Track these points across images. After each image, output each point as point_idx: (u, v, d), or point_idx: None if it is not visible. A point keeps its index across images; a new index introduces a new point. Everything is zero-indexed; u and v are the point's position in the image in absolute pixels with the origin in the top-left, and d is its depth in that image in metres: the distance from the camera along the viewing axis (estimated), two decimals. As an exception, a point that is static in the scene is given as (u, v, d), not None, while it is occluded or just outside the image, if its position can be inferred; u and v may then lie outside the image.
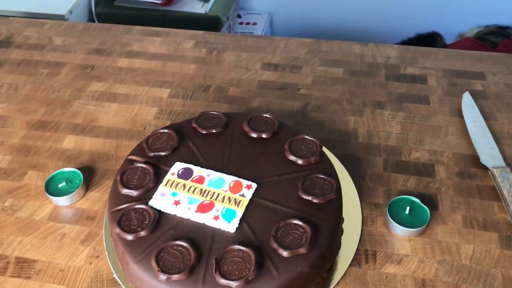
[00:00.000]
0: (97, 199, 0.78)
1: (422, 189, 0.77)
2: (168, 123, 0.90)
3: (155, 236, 0.64)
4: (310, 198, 0.67)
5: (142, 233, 0.64)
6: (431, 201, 0.75)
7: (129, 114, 0.92)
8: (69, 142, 0.87)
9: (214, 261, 0.60)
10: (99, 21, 1.98)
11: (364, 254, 0.69)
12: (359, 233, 0.71)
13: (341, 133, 0.87)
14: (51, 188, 0.77)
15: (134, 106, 0.94)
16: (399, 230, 0.71)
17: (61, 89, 0.99)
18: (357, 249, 0.69)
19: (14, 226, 0.74)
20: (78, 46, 1.10)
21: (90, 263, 0.69)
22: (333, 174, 0.71)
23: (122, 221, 0.65)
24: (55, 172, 0.79)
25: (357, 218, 0.73)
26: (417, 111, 0.90)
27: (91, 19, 1.98)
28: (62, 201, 0.76)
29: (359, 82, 0.97)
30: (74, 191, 0.76)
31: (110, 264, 0.68)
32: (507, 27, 1.88)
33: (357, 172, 0.79)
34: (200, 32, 1.14)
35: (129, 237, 0.64)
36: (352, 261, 0.68)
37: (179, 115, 0.92)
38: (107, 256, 0.69)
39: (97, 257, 0.70)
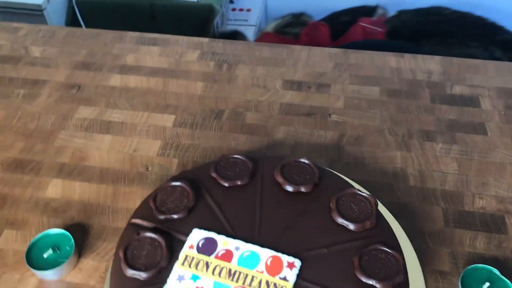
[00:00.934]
0: (93, 270, 0.62)
1: (494, 250, 0.63)
2: (175, 161, 0.74)
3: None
4: (372, 282, 0.52)
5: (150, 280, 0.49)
6: (510, 269, 0.61)
7: (126, 149, 0.76)
8: (55, 188, 0.71)
9: None
10: (80, 12, 1.78)
11: None
12: (426, 315, 0.57)
13: (386, 173, 0.72)
14: (34, 258, 0.61)
15: (132, 139, 0.77)
16: (476, 311, 0.57)
17: (42, 115, 0.81)
18: (426, 338, 0.55)
19: (-12, 310, 0.59)
20: (61, 59, 0.92)
21: None
22: (396, 245, 0.56)
23: (130, 319, 0.50)
24: (39, 235, 0.63)
25: (421, 294, 0.59)
26: (474, 143, 0.76)
27: (71, 9, 1.78)
28: (49, 275, 0.60)
29: (400, 106, 0.82)
30: (64, 261, 0.60)
31: None
32: (300, 14, 1.84)
33: (413, 228, 0.65)
34: (206, 39, 0.97)
35: (143, 275, 0.48)
36: None
37: (188, 150, 0.76)
38: None
39: None
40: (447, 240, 0.64)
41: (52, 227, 0.65)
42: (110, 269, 0.59)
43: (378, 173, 0.72)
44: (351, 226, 0.57)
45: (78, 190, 0.70)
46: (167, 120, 0.80)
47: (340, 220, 0.58)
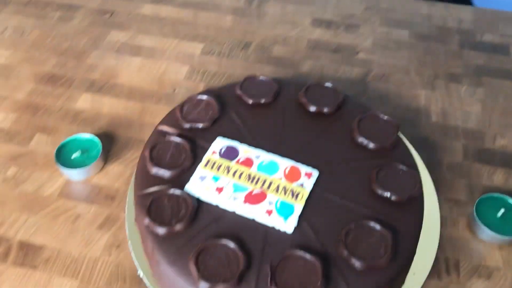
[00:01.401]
0: (118, 174, 0.64)
1: (512, 185, 0.63)
2: (201, 85, 0.76)
3: (193, 231, 0.51)
4: (387, 194, 0.54)
5: (178, 227, 0.51)
6: (524, 202, 0.61)
7: (155, 71, 0.78)
8: (84, 101, 0.73)
9: (269, 269, 0.48)
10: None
11: (445, 263, 0.57)
12: (438, 237, 0.58)
13: (410, 109, 0.72)
14: (62, 158, 0.64)
15: (161, 62, 0.79)
16: (488, 235, 0.58)
17: (75, 37, 0.84)
18: (436, 257, 0.56)
19: (18, 202, 0.62)
20: (95, -13, 0.94)
21: (110, 254, 0.57)
22: (413, 164, 0.57)
23: (153, 209, 0.52)
24: (68, 139, 0.66)
25: (435, 218, 0.60)
26: (500, 88, 0.76)
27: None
28: (76, 174, 0.63)
29: (428, 49, 0.82)
30: (91, 163, 0.63)
31: (134, 257, 0.55)
32: None
33: (432, 160, 0.66)
34: (237, -23, 0.98)
35: (162, 230, 0.51)
36: (430, 271, 0.56)
37: (214, 76, 0.77)
38: (130, 246, 0.56)
39: (118, 246, 0.58)
40: (465, 172, 0.65)
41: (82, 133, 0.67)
42: (134, 173, 0.62)
43: (402, 108, 0.73)
44: (370, 145, 0.58)
45: (107, 105, 0.73)
46: (196, 48, 0.82)
47: (360, 139, 0.59)
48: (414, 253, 0.53)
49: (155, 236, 0.51)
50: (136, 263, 0.55)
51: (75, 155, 0.64)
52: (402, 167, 0.56)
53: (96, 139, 0.65)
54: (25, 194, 0.62)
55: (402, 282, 0.54)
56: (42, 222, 0.60)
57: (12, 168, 0.65)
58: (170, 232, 0.51)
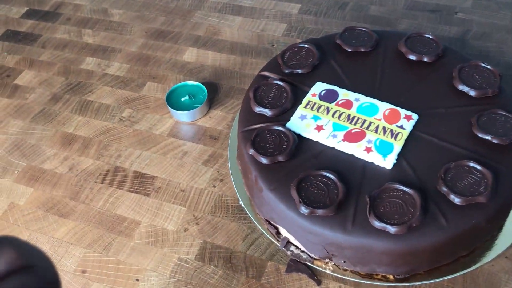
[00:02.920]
0: (221, 118, 0.69)
1: None
2: (298, 41, 0.79)
3: (294, 163, 0.54)
4: (488, 137, 0.53)
5: (280, 158, 0.54)
6: None
7: (254, 29, 0.82)
8: (190, 55, 0.79)
9: (367, 199, 0.50)
10: None
11: (546, 214, 0.56)
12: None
13: (511, 67, 0.71)
14: (172, 101, 0.70)
15: (260, 21, 0.83)
16: None
17: (181, -2, 0.90)
18: (537, 207, 0.55)
19: (133, 139, 0.68)
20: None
21: (214, 186, 0.62)
22: (517, 111, 0.57)
23: (257, 142, 0.56)
24: (178, 85, 0.71)
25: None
26: None
27: None
28: (184, 116, 0.68)
29: (534, 8, 0.79)
30: (197, 106, 0.68)
31: (236, 189, 0.60)
32: None
33: (535, 114, 0.64)
34: None
35: (265, 160, 0.54)
36: (530, 220, 0.55)
37: (311, 33, 0.80)
38: (232, 180, 0.61)
39: (221, 180, 0.62)
40: None
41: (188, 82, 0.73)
42: (237, 117, 0.66)
43: (503, 66, 0.71)
44: (471, 93, 0.58)
45: (211, 58, 0.78)
46: (293, 7, 0.85)
47: (461, 87, 0.59)
48: (515, 196, 0.53)
49: (259, 165, 0.55)
50: (237, 194, 0.59)
51: (184, 99, 0.70)
52: (505, 113, 0.55)
53: (202, 86, 0.70)
54: (139, 132, 0.69)
55: (501, 227, 0.54)
56: (154, 156, 0.66)
57: (128, 110, 0.72)
58: (272, 162, 0.54)
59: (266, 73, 0.64)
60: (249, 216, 0.57)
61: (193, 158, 0.65)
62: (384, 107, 0.58)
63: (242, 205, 0.59)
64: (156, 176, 0.64)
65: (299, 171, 0.53)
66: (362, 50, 0.65)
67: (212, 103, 0.71)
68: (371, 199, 0.50)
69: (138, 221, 0.60)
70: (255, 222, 0.57)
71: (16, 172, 0.66)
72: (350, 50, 0.65)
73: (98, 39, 0.84)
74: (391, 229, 0.48)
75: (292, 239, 0.54)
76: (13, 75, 0.80)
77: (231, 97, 0.72)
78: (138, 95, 0.74)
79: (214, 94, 0.72)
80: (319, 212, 0.50)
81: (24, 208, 0.62)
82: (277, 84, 0.62)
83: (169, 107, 0.68)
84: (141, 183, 0.63)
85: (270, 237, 0.56)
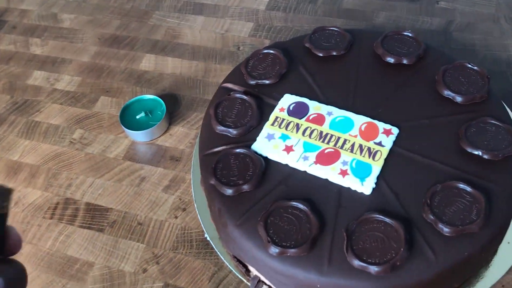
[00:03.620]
0: (183, 136, 0.62)
1: None
2: (267, 42, 0.71)
3: (261, 192, 0.48)
4: (479, 152, 0.47)
5: (245, 187, 0.48)
6: None
7: (218, 30, 0.74)
8: (148, 62, 0.71)
9: (344, 233, 0.44)
10: None
11: (545, 232, 0.50)
12: (537, 202, 0.51)
13: (499, 61, 0.64)
14: (127, 120, 0.63)
15: (224, 20, 0.76)
16: None
17: (137, -2, 0.82)
18: (534, 224, 0.50)
19: (84, 164, 0.61)
20: None
21: (176, 217, 0.55)
22: (508, 119, 0.50)
23: (219, 169, 0.49)
24: (132, 100, 0.64)
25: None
26: None
27: None
28: (140, 136, 0.61)
29: (521, -7, 0.73)
30: (155, 124, 0.61)
31: (200, 220, 0.53)
32: None
33: (528, 115, 0.58)
34: None
35: (229, 191, 0.48)
36: (528, 240, 0.49)
37: (280, 32, 0.73)
38: (196, 209, 0.54)
39: (184, 209, 0.56)
40: None
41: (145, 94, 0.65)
42: (199, 135, 0.59)
43: (490, 60, 0.65)
44: (458, 99, 0.52)
45: (171, 65, 0.70)
46: (260, 3, 0.77)
47: (446, 93, 0.52)
48: (510, 218, 0.47)
49: (222, 196, 0.48)
50: (202, 226, 0.53)
51: (140, 116, 0.62)
52: (495, 122, 0.49)
53: (160, 100, 0.63)
54: (91, 156, 0.62)
55: (495, 251, 0.48)
56: (108, 184, 0.59)
57: (78, 131, 0.64)
58: (237, 193, 0.48)
59: (229, 85, 0.57)
60: (216, 252, 0.51)
61: (151, 184, 0.58)
62: (360, 121, 0.51)
63: (208, 238, 0.52)
64: (111, 208, 0.57)
65: (267, 201, 0.47)
66: (334, 53, 0.58)
67: (172, 117, 0.64)
68: (348, 233, 0.44)
69: (91, 262, 0.53)
70: (223, 258, 0.50)
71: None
72: (321, 55, 0.58)
73: (46, 49, 0.76)
74: (373, 269, 0.42)
75: (263, 277, 0.48)
76: (-48, 95, 0.72)
77: (194, 110, 0.65)
78: (90, 113, 0.66)
79: (174, 108, 0.65)
80: (291, 252, 0.43)
81: None
82: (241, 99, 0.55)
83: (123, 127, 0.61)
84: (94, 216, 0.56)
85: (239, 276, 0.49)
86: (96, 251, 0.54)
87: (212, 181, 0.49)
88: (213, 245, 0.51)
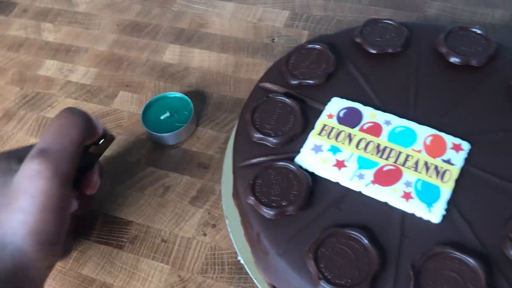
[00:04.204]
0: (212, 140, 0.55)
1: None
2: (304, 33, 0.64)
3: (308, 215, 0.41)
4: None
5: (290, 209, 0.41)
6: None
7: (250, 18, 0.67)
8: (172, 54, 0.64)
9: (411, 271, 0.37)
10: None
11: None
12: None
13: None
14: (150, 119, 0.56)
15: (256, 8, 0.68)
16: None
17: (160, -20, 0.74)
18: None
19: (102, 169, 0.55)
20: None
21: (204, 234, 0.49)
22: None
23: (258, 186, 0.42)
24: (156, 97, 0.57)
25: None
26: None
27: None
28: (165, 138, 0.55)
29: None
30: (182, 126, 0.54)
31: (232, 239, 0.47)
32: None
33: None
34: None
35: (270, 212, 0.41)
36: None
37: (320, 22, 0.65)
38: (228, 227, 0.47)
39: (214, 226, 0.49)
40: None
41: (169, 91, 0.58)
42: (231, 138, 0.52)
43: None
44: (539, 109, 0.44)
45: (197, 58, 0.63)
46: (297, -11, 0.70)
47: (525, 101, 0.45)
48: None
49: (262, 219, 0.41)
50: (235, 247, 0.46)
51: (164, 116, 0.56)
52: None
53: (187, 99, 0.56)
54: (109, 160, 0.55)
55: None
56: (128, 193, 0.52)
57: (95, 130, 0.58)
58: (280, 215, 0.41)
59: (267, 85, 0.50)
60: (251, 278, 0.44)
61: (177, 194, 0.52)
62: (423, 132, 0.44)
63: (242, 262, 0.46)
64: (131, 221, 0.50)
65: (315, 228, 0.40)
66: (390, 51, 0.50)
67: (200, 118, 0.57)
68: (415, 272, 0.37)
69: (109, 284, 0.47)
70: (260, 287, 0.44)
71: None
72: (374, 52, 0.50)
73: (60, 36, 0.69)
74: (447, 317, 0.35)
75: (308, 313, 0.41)
76: (-43, 85, 0.65)
77: (224, 110, 0.58)
78: (108, 110, 0.59)
79: (202, 107, 0.58)
80: (346, 291, 0.37)
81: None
82: (282, 102, 0.48)
83: (146, 128, 0.54)
84: (113, 230, 0.50)
85: (279, 308, 0.43)
86: (114, 271, 0.47)
87: (251, 200, 0.42)
88: (248, 270, 0.45)
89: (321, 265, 0.38)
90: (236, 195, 0.47)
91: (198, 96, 0.59)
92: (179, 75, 0.61)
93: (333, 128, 0.45)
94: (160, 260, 0.47)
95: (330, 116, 0.46)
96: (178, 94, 0.57)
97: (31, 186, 0.35)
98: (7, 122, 0.60)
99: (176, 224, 0.50)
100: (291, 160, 0.44)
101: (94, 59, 0.65)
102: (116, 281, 0.47)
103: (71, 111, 0.40)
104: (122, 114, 0.59)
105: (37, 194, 0.35)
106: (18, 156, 0.40)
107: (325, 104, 0.47)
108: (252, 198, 0.42)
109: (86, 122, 0.40)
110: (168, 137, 0.54)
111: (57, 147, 0.37)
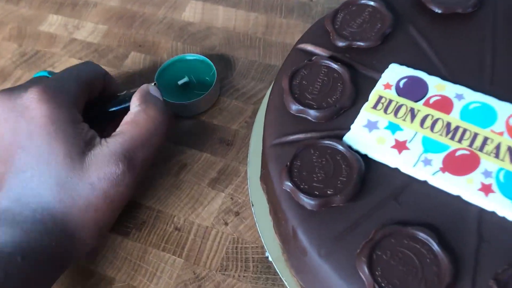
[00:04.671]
0: (237, 112, 0.47)
1: None
2: (348, -7, 0.55)
3: (359, 208, 0.33)
4: None
5: (337, 200, 0.33)
6: None
7: (284, -27, 0.58)
8: (193, 11, 0.55)
9: (494, 285, 0.29)
10: None
11: None
12: None
13: None
14: (165, 85, 0.48)
15: (291, -39, 0.59)
16: None
17: None
18: None
19: (107, 140, 0.47)
20: None
21: (225, 223, 0.41)
22: None
23: (296, 168, 0.34)
24: (172, 59, 0.49)
25: None
26: None
27: None
28: (182, 108, 0.46)
29: None
30: (202, 94, 0.46)
31: (259, 232, 0.39)
32: None
33: None
34: None
35: (311, 202, 0.33)
36: None
37: (366, -19, 0.56)
38: (254, 216, 0.39)
39: (237, 214, 0.41)
40: None
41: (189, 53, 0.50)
42: (260, 110, 0.44)
43: None
44: None
45: (222, 16, 0.54)
46: None
47: None
48: None
49: (301, 210, 0.33)
50: (262, 240, 0.38)
51: (182, 81, 0.47)
52: None
53: (209, 62, 0.48)
54: (117, 130, 0.47)
55: None
56: (136, 169, 0.44)
57: (101, 95, 0.50)
58: (324, 207, 0.33)
59: (308, 47, 0.41)
60: (282, 280, 0.37)
61: (194, 174, 0.43)
62: (506, 110, 0.35)
63: (270, 259, 0.38)
64: (139, 203, 0.42)
65: (369, 224, 0.32)
66: (459, 11, 0.41)
67: (223, 86, 0.49)
68: (499, 283, 0.29)
69: (110, 278, 0.39)
70: (290, 290, 0.36)
71: None
72: (439, 11, 0.41)
73: (66, -12, 0.60)
74: None
75: (351, 326, 0.33)
76: None
77: (251, 77, 0.49)
78: (117, 72, 0.51)
79: (226, 74, 0.50)
80: (411, 308, 0.29)
81: None
82: (327, 67, 0.39)
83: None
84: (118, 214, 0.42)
85: (314, 317, 0.35)
86: (117, 262, 0.40)
87: (287, 186, 0.34)
88: (277, 270, 0.37)
89: (376, 273, 0.30)
90: (266, 178, 0.38)
91: (222, 61, 0.50)
92: (200, 36, 0.53)
93: (391, 100, 0.36)
94: (172, 252, 0.40)
95: (387, 86, 0.37)
96: (199, 56, 0.48)
97: (113, 191, 0.37)
98: (2, 83, 0.52)
99: (193, 209, 0.42)
100: (339, 138, 0.35)
101: (103, 14, 0.57)
102: (119, 274, 0.39)
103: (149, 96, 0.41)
104: (133, 78, 0.51)
105: (116, 199, 0.37)
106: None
107: (381, 71, 0.38)
108: (289, 184, 0.33)
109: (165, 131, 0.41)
110: (186, 107, 0.46)
111: (143, 157, 0.38)
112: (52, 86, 0.38)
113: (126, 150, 0.37)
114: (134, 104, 0.40)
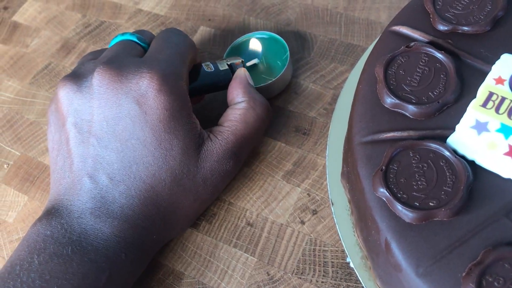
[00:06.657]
0: (315, 97, 0.43)
1: None
2: (441, -37, 0.49)
3: (466, 224, 0.29)
4: None
5: (440, 214, 0.29)
6: None
7: None
8: (266, -18, 0.51)
9: None
10: None
11: None
12: None
13: None
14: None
15: None
16: None
17: None
18: None
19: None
20: None
21: (302, 222, 0.38)
22: None
23: (392, 173, 0.30)
24: (243, 37, 0.45)
25: None
26: None
27: None
28: (254, 92, 0.43)
29: None
30: (275, 76, 0.42)
31: (340, 235, 0.35)
32: None
33: None
34: None
35: (410, 215, 0.29)
36: None
37: (462, -50, 0.49)
38: (334, 217, 0.36)
39: (315, 212, 0.38)
40: None
41: (261, 30, 0.46)
42: (342, 96, 0.40)
43: None
44: None
45: (297, -12, 0.50)
46: None
47: None
48: None
49: (396, 221, 0.29)
50: (343, 244, 0.35)
51: (252, 62, 0.43)
52: None
53: (282, 41, 0.44)
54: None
55: None
56: (205, 156, 0.42)
57: (168, 73, 0.47)
58: (425, 220, 0.29)
59: (404, 30, 0.37)
60: (364, 289, 0.33)
61: (267, 165, 0.40)
62: None
63: (352, 265, 0.34)
64: (210, 194, 0.40)
65: (476, 243, 0.28)
66: None
67: (299, 68, 0.45)
68: None
69: (179, 273, 0.37)
70: (375, 303, 0.33)
71: (5, 166, 0.45)
72: None
73: (131, -46, 0.57)
74: None
75: None
76: (12, 7, 0.56)
77: (332, 58, 0.45)
78: (185, 49, 0.48)
79: (302, 54, 0.45)
80: None
81: (13, 229, 0.41)
82: (428, 55, 0.34)
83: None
84: (186, 203, 0.40)
85: (402, 337, 0.32)
86: (186, 256, 0.38)
87: (382, 194, 0.30)
88: (360, 279, 0.34)
89: (487, 302, 0.26)
90: (351, 178, 0.35)
91: (298, 39, 0.46)
92: (275, 10, 0.49)
93: (504, 98, 0.32)
94: (244, 249, 0.37)
95: (499, 81, 0.32)
96: (272, 35, 0.44)
97: (221, 185, 0.38)
98: (66, 55, 0.50)
99: (266, 204, 0.39)
100: (442, 140, 0.31)
101: (170, -16, 0.53)
102: (188, 269, 0.37)
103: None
104: (202, 55, 0.47)
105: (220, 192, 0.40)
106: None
107: (491, 62, 0.33)
108: (385, 192, 0.30)
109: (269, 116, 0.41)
110: (258, 90, 0.42)
111: (247, 152, 0.39)
112: (168, 73, 0.36)
113: (236, 148, 0.37)
114: (239, 97, 0.39)
